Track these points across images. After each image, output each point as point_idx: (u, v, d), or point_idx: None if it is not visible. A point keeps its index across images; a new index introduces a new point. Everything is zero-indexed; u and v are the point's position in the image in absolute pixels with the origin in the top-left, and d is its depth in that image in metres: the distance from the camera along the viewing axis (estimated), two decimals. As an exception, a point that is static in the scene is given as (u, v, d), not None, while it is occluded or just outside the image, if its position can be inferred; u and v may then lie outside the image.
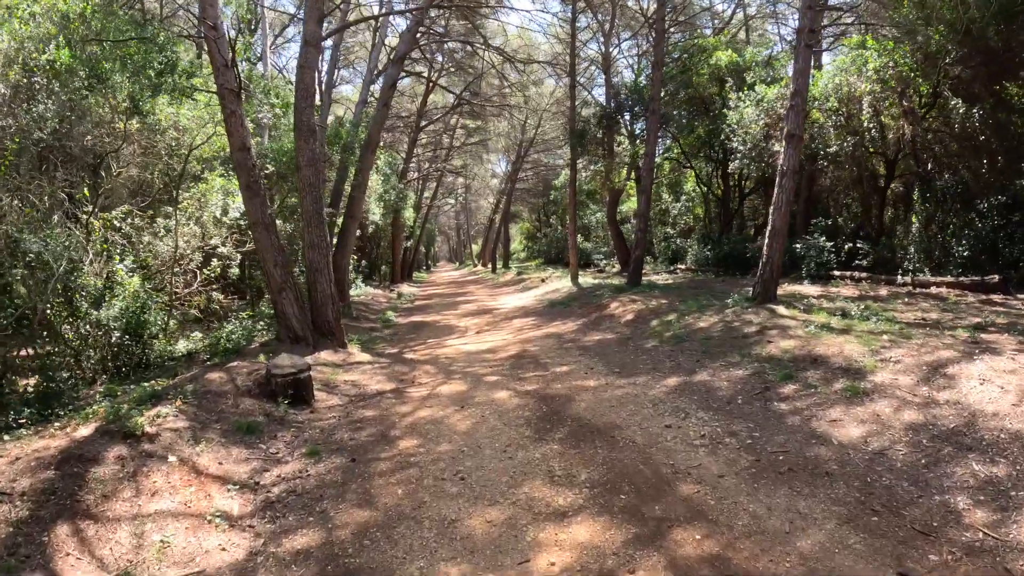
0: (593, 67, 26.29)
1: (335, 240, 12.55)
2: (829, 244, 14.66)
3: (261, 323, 8.75)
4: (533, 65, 26.14)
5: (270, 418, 5.35)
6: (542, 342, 9.14)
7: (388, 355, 8.77)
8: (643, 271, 21.93)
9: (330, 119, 16.59)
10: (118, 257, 8.09)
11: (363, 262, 23.34)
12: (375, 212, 22.27)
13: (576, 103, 19.60)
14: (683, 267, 19.95)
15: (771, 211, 9.31)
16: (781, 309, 8.57)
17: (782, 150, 9.42)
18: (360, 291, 18.87)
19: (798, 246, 14.73)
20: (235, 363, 6.41)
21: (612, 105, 19.03)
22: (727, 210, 21.55)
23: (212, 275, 8.97)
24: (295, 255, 11.20)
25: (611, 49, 23.66)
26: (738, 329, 7.81)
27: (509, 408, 5.61)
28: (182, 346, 8.23)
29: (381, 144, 26.38)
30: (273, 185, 11.81)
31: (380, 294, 19.38)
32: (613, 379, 6.46)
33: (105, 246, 8.18)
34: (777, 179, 9.35)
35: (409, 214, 28.46)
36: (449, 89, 21.07)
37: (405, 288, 23.81)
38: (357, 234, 21.33)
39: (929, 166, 12.90)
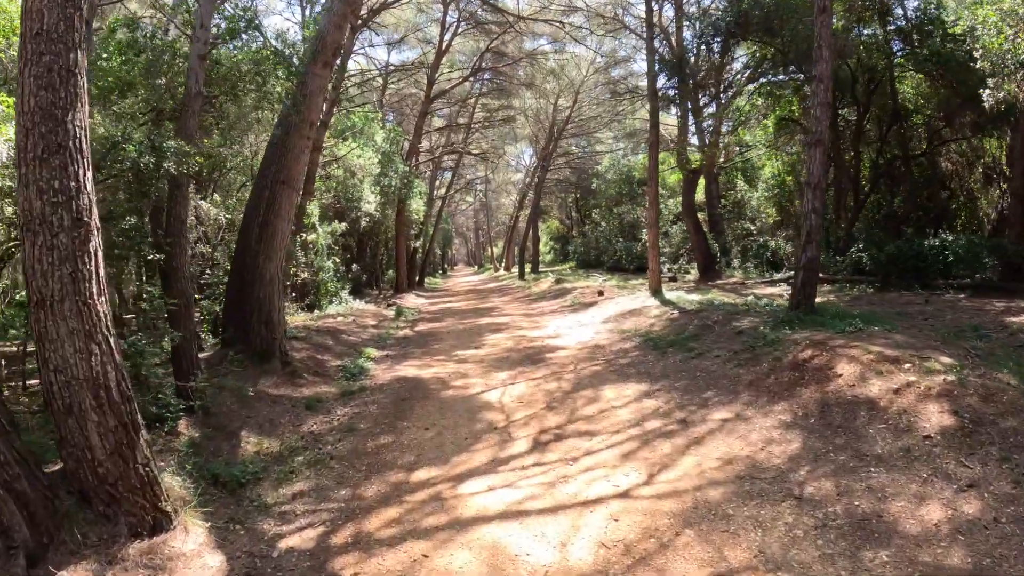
0: (634, 36, 20.51)
1: (259, 225, 6.72)
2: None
3: None
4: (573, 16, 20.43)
5: None
6: (765, 546, 3.11)
7: None
8: (718, 280, 15.48)
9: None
10: None
11: (354, 266, 17.58)
12: (369, 200, 16.55)
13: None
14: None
15: None
16: None
17: None
18: (341, 307, 13.09)
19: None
20: None
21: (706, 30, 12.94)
22: (857, 197, 15.38)
23: None
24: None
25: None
26: None
27: None
28: None
29: (376, 114, 20.57)
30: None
31: (370, 312, 13.59)
32: None
33: None
34: None
35: (417, 206, 22.63)
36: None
37: (409, 300, 17.97)
38: (342, 229, 15.19)
39: None
